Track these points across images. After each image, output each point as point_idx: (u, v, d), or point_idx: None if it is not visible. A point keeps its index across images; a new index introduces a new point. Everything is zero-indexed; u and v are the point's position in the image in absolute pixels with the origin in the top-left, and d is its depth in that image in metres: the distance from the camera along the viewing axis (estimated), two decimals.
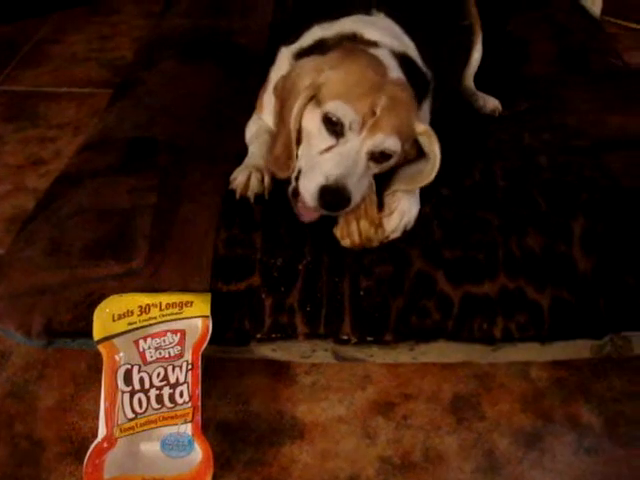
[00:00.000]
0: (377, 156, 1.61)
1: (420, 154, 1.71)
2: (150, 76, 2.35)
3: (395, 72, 1.67)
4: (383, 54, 1.71)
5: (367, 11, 1.91)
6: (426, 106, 1.86)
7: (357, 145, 1.56)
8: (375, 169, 1.64)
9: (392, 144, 1.60)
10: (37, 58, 3.20)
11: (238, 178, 1.76)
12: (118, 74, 2.82)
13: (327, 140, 1.58)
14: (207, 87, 2.25)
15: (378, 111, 1.56)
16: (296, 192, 1.61)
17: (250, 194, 1.73)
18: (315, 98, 1.61)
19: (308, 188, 1.54)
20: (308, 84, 1.61)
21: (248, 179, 1.75)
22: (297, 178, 1.62)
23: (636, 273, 1.68)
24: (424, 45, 1.91)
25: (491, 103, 2.33)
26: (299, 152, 1.65)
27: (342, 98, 1.56)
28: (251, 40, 2.54)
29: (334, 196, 1.52)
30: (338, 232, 1.65)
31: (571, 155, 1.98)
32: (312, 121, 1.61)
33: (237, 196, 1.73)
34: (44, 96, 2.89)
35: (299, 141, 1.65)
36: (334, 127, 1.57)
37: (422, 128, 1.66)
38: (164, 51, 2.50)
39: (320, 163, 1.56)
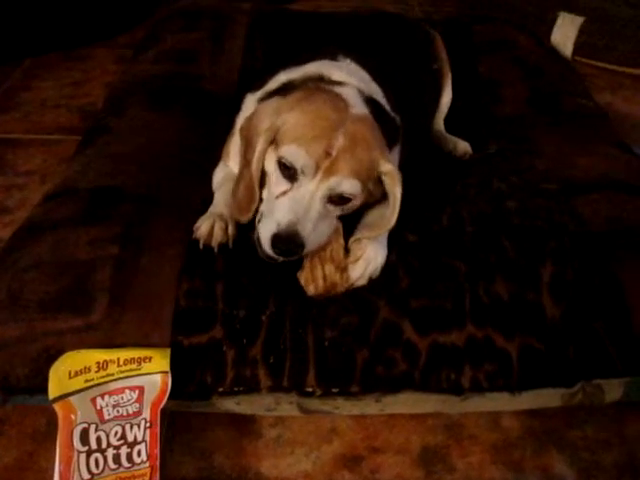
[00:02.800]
0: (335, 199, 1.58)
1: (385, 196, 1.68)
2: (118, 123, 2.32)
3: (358, 108, 1.65)
4: (348, 92, 1.70)
5: (334, 57, 1.90)
6: (396, 151, 1.84)
7: (311, 189, 1.54)
8: (337, 211, 1.61)
9: (350, 186, 1.57)
10: (7, 104, 3.17)
11: (202, 227, 1.73)
12: (88, 120, 2.79)
13: (282, 184, 1.57)
14: (175, 134, 2.23)
15: (334, 152, 1.54)
16: (259, 237, 1.58)
17: (214, 243, 1.70)
18: (274, 141, 1.60)
19: (264, 235, 1.54)
20: (267, 127, 1.60)
21: (212, 228, 1.72)
22: (260, 221, 1.60)
23: (606, 319, 1.67)
24: (392, 90, 1.90)
25: (461, 146, 2.32)
26: (263, 196, 1.64)
27: (296, 142, 1.55)
28: (220, 86, 2.53)
29: (285, 242, 1.50)
30: (302, 278, 1.62)
31: (540, 199, 1.97)
32: (271, 165, 1.61)
33: (200, 246, 1.70)
34: (12, 143, 2.86)
35: (263, 184, 1.63)
36: (288, 171, 1.55)
37: (386, 167, 1.63)
38: (133, 97, 2.48)
39: (274, 208, 1.55)
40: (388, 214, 1.66)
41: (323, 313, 1.62)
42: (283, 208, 1.53)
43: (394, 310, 1.63)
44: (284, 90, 1.74)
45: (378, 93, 1.84)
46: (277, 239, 1.50)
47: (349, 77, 1.77)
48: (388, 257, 1.71)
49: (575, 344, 1.64)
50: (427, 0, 3.92)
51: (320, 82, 1.74)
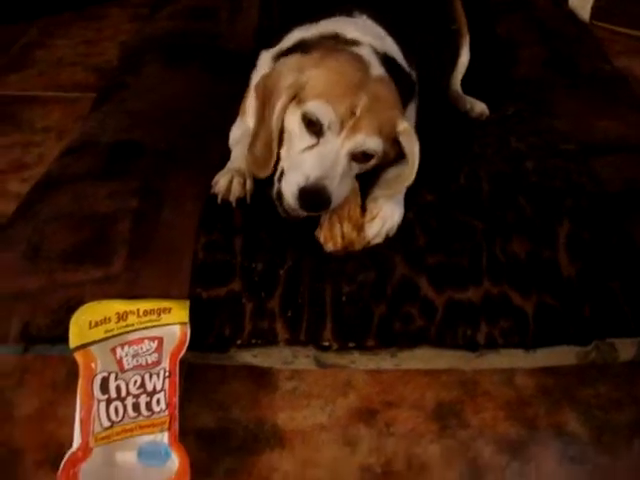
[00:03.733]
0: (359, 156, 1.59)
1: (400, 156, 1.69)
2: (134, 80, 2.33)
3: (377, 69, 1.66)
4: (365, 52, 1.70)
5: (350, 13, 1.90)
6: (412, 108, 1.85)
7: (337, 146, 1.55)
8: (356, 170, 1.62)
9: (373, 144, 1.59)
10: (23, 62, 3.18)
11: (220, 182, 1.74)
12: (104, 78, 2.79)
13: (307, 140, 1.57)
14: (191, 91, 2.23)
15: (358, 111, 1.55)
16: (280, 193, 1.59)
17: (232, 198, 1.71)
18: (297, 97, 1.60)
19: (289, 189, 1.53)
20: (290, 83, 1.60)
21: (230, 183, 1.73)
22: (280, 179, 1.60)
23: (621, 279, 1.67)
24: (408, 48, 1.90)
25: (478, 107, 2.31)
26: (282, 152, 1.64)
27: (322, 98, 1.55)
28: (237, 44, 2.53)
29: (313, 197, 1.51)
30: (321, 235, 1.63)
31: (558, 159, 1.96)
32: (293, 121, 1.60)
33: (219, 200, 1.71)
34: (29, 100, 2.87)
35: (281, 141, 1.63)
36: (314, 127, 1.56)
37: (403, 126, 1.64)
38: (149, 55, 2.48)
39: (300, 163, 1.55)
40: (406, 172, 1.67)
41: (341, 268, 1.63)
42: (311, 162, 1.54)
43: (411, 266, 1.64)
44: (299, 48, 1.74)
45: (394, 50, 1.83)
46: (305, 193, 1.50)
47: (364, 35, 1.77)
48: (405, 216, 1.72)
49: (590, 303, 1.64)
50: None
51: (335, 41, 1.73)
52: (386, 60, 1.73)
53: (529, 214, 1.76)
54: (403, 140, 1.66)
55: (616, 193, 1.83)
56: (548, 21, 2.79)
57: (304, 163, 1.54)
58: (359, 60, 1.65)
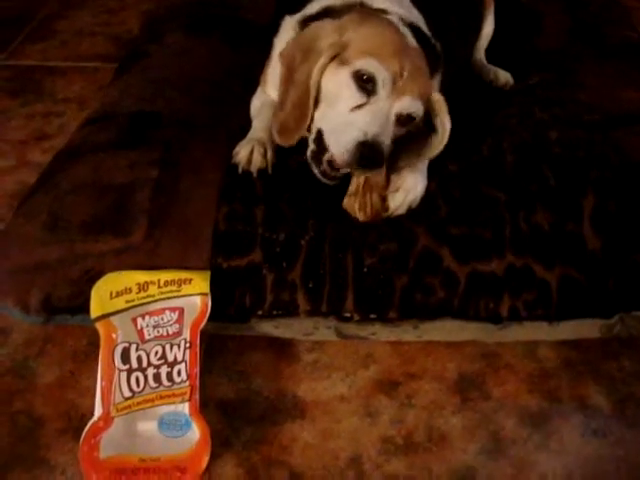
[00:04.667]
0: (402, 119, 1.59)
1: (425, 127, 1.67)
2: (155, 49, 2.32)
3: (410, 38, 1.65)
4: (396, 21, 1.68)
5: None
6: (437, 79, 1.83)
7: (389, 104, 1.55)
8: (396, 132, 1.61)
9: (417, 107, 1.60)
10: (43, 33, 3.17)
11: (241, 152, 1.72)
12: (124, 48, 2.78)
13: (357, 98, 1.55)
14: (213, 61, 2.22)
15: (405, 73, 1.55)
16: (320, 153, 1.58)
17: (253, 168, 1.70)
18: (338, 57, 1.58)
19: (342, 145, 1.51)
20: (331, 43, 1.58)
21: (251, 153, 1.72)
22: (317, 140, 1.59)
23: None
24: (433, 17, 1.88)
25: (502, 76, 2.28)
26: (316, 114, 1.62)
27: (374, 56, 1.54)
28: (258, 15, 2.50)
29: (371, 152, 1.49)
30: (355, 204, 1.62)
31: (582, 130, 1.93)
32: (336, 80, 1.58)
33: (240, 170, 1.70)
34: (50, 71, 2.87)
35: (313, 103, 1.61)
36: (365, 85, 1.54)
37: (437, 97, 1.65)
38: (170, 24, 2.46)
39: (353, 120, 1.53)
40: (436, 142, 1.67)
41: (362, 239, 1.62)
42: (366, 119, 1.52)
43: (433, 238, 1.63)
44: (325, 15, 1.72)
45: (419, 19, 1.82)
46: (363, 147, 1.48)
47: (390, 4, 1.75)
48: (428, 186, 1.70)
49: (615, 276, 1.62)
50: None
51: (363, 9, 1.71)
52: (414, 30, 1.71)
53: (553, 186, 1.74)
54: (437, 110, 1.65)
55: None
56: None
57: (357, 121, 1.52)
58: (395, 27, 1.64)
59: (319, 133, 1.59)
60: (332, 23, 1.63)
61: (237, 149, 1.74)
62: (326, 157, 1.56)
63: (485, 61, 2.38)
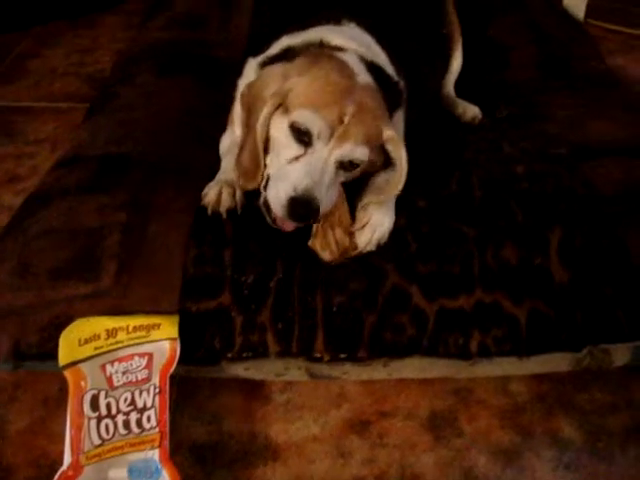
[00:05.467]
0: (346, 165, 1.58)
1: (388, 163, 1.68)
2: (126, 90, 2.32)
3: (363, 76, 1.65)
4: (351, 58, 1.69)
5: (338, 21, 1.89)
6: (399, 115, 1.84)
7: (325, 154, 1.54)
8: (343, 177, 1.61)
9: (361, 153, 1.58)
10: (17, 72, 3.18)
11: (209, 194, 1.73)
12: (97, 88, 2.78)
13: (295, 149, 1.56)
14: (183, 101, 2.22)
15: (346, 119, 1.54)
16: (267, 202, 1.58)
17: (222, 209, 1.70)
18: (282, 106, 1.58)
19: (277, 198, 1.52)
20: (274, 91, 1.59)
21: (220, 194, 1.72)
22: (266, 187, 1.59)
23: (614, 284, 1.66)
24: (397, 54, 1.89)
25: (471, 111, 2.30)
26: (267, 161, 1.62)
27: (310, 107, 1.54)
28: (229, 52, 2.52)
29: (302, 207, 1.49)
30: (317, 245, 1.62)
31: (550, 164, 1.95)
32: (280, 129, 1.59)
33: (209, 212, 1.70)
34: (23, 111, 2.87)
35: (267, 150, 1.62)
36: (302, 136, 1.54)
37: (388, 134, 1.64)
38: (141, 65, 2.47)
39: (288, 173, 1.53)
40: (395, 179, 1.66)
41: (331, 278, 1.62)
42: (299, 172, 1.52)
43: (402, 275, 1.64)
44: (285, 55, 1.73)
45: (381, 57, 1.83)
46: (294, 202, 1.48)
47: (350, 43, 1.76)
48: (397, 222, 1.71)
49: (583, 309, 1.64)
50: None
51: (321, 48, 1.72)
52: (372, 68, 1.72)
53: (521, 220, 1.75)
54: (390, 148, 1.65)
55: (608, 197, 1.83)
56: (541, 22, 2.78)
57: (292, 173, 1.53)
58: (344, 67, 1.63)
59: (267, 181, 1.60)
60: (280, 68, 1.64)
61: (206, 190, 1.75)
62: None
63: (454, 95, 2.40)
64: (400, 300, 1.62)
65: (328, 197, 1.55)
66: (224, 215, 1.70)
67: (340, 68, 1.62)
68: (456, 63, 2.41)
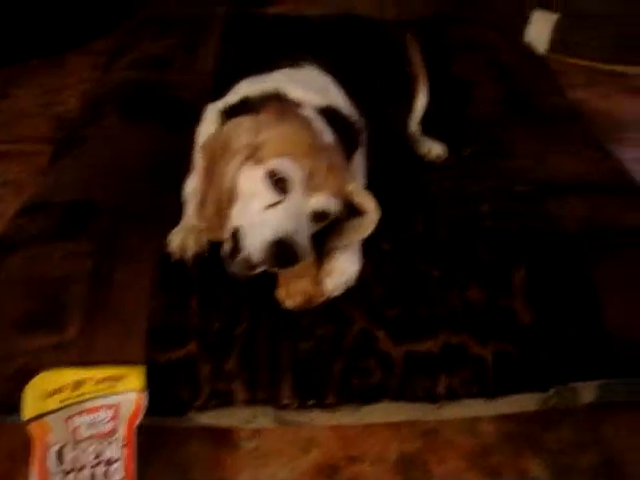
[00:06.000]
0: (318, 216, 1.59)
1: (351, 212, 1.69)
2: (92, 133, 2.31)
3: (326, 134, 1.67)
4: (311, 114, 1.71)
5: (297, 64, 1.91)
6: (359, 157, 1.85)
7: (302, 202, 1.56)
8: (313, 229, 1.62)
9: (332, 205, 1.61)
10: None
11: (174, 240, 1.73)
12: (65, 129, 2.77)
13: (272, 197, 1.56)
14: (148, 144, 2.21)
15: (320, 171, 1.56)
16: (235, 251, 1.57)
17: (187, 256, 1.70)
18: (253, 157, 1.59)
19: (257, 244, 1.50)
20: (245, 143, 1.59)
21: (184, 240, 1.72)
22: (234, 237, 1.58)
23: (579, 322, 1.68)
24: (358, 94, 1.91)
25: (435, 149, 2.33)
26: (234, 212, 1.61)
27: (288, 156, 1.56)
28: (194, 94, 2.51)
29: (286, 251, 1.48)
30: (282, 293, 1.63)
31: (514, 202, 1.98)
32: (251, 180, 1.58)
33: (174, 259, 1.70)
34: None
35: (230, 202, 1.62)
36: (279, 184, 1.55)
37: (355, 188, 1.66)
38: (107, 106, 2.46)
39: (267, 219, 1.53)
40: (363, 227, 1.68)
41: (298, 325, 1.63)
42: (280, 217, 1.53)
43: (369, 320, 1.64)
44: (243, 107, 1.74)
45: (339, 99, 1.85)
46: (277, 246, 1.48)
47: (307, 92, 1.77)
48: (362, 266, 1.71)
49: (549, 348, 1.65)
50: (402, 0, 3.91)
51: (278, 101, 1.73)
52: (328, 113, 1.74)
53: (485, 260, 1.77)
54: (357, 200, 1.67)
55: (572, 234, 1.85)
56: (504, 58, 2.81)
57: (271, 220, 1.53)
58: (309, 124, 1.67)
59: (235, 231, 1.58)
60: (249, 121, 1.64)
61: (170, 237, 1.75)
62: (242, 256, 1.54)
63: (420, 133, 2.43)
64: (367, 345, 1.62)
65: (306, 245, 1.55)
66: (189, 262, 1.70)
67: (306, 126, 1.66)
68: (421, 102, 2.43)
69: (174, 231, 1.76)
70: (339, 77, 1.92)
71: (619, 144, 2.69)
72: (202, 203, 1.65)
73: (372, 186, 1.76)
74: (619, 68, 3.34)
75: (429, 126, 2.44)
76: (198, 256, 1.71)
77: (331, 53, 2.07)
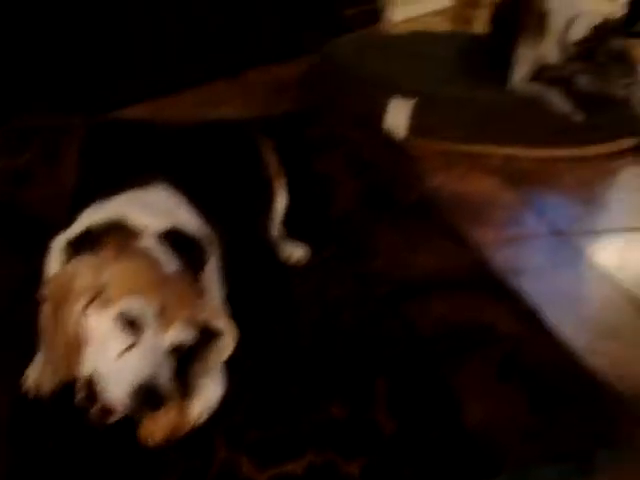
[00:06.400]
0: (175, 349, 1.57)
1: (209, 336, 1.68)
2: None
3: (169, 264, 1.66)
4: (152, 245, 1.69)
5: (146, 183, 1.89)
6: (211, 273, 1.84)
7: (158, 340, 1.53)
8: (171, 363, 1.59)
9: (188, 335, 1.58)
10: None
11: (30, 377, 1.69)
12: None
13: (125, 340, 1.51)
14: (3, 271, 2.16)
15: (169, 304, 1.54)
16: (90, 399, 1.52)
17: (43, 393, 1.65)
18: (99, 299, 1.55)
19: (117, 393, 1.46)
20: (88, 285, 1.55)
21: (41, 376, 1.67)
22: (87, 387, 1.53)
23: (439, 427, 1.71)
24: (211, 207, 1.91)
25: (297, 252, 2.34)
26: (85, 357, 1.55)
27: (134, 295, 1.52)
28: (52, 211, 2.47)
29: (149, 395, 1.45)
30: (145, 431, 1.60)
31: (374, 306, 2.02)
32: (101, 323, 1.54)
33: (30, 397, 1.66)
34: None
35: (79, 346, 1.57)
36: (131, 326, 1.52)
37: (206, 311, 1.64)
38: None
39: (124, 365, 1.49)
40: (222, 349, 1.67)
41: (160, 461, 1.59)
42: (138, 361, 1.49)
43: (230, 447, 1.62)
44: (86, 239, 1.70)
45: (185, 219, 1.84)
46: (142, 390, 1.44)
47: (150, 216, 1.74)
48: (225, 389, 1.70)
49: (413, 456, 1.66)
50: (263, 100, 3.96)
51: (121, 232, 1.69)
52: (172, 236, 1.74)
53: (347, 371, 1.79)
54: (213, 324, 1.65)
55: (428, 338, 1.89)
56: (364, 153, 2.89)
57: (128, 366, 1.49)
58: (150, 257, 1.64)
59: (89, 379, 1.53)
60: (89, 260, 1.60)
61: (26, 374, 1.70)
62: (99, 404, 1.50)
63: (282, 236, 2.43)
64: (231, 473, 1.60)
65: (168, 382, 1.52)
66: (45, 399, 1.65)
67: (148, 259, 1.63)
68: (280, 205, 2.44)
69: (31, 367, 1.71)
70: (191, 192, 1.91)
71: (479, 226, 2.74)
72: (49, 347, 1.60)
73: (233, 297, 1.76)
74: (475, 149, 3.45)
75: (292, 227, 2.45)
76: (54, 395, 1.65)
77: (185, 165, 2.06)
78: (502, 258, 2.48)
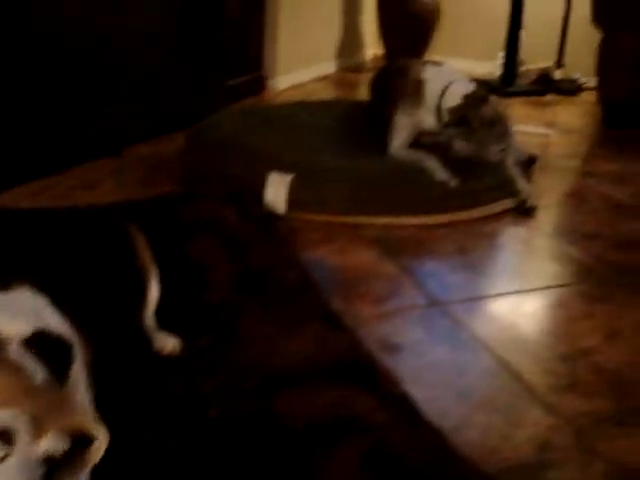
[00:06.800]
0: (47, 459, 1.53)
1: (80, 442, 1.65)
2: None
3: (37, 371, 1.61)
4: (17, 353, 1.64)
5: (8, 286, 1.85)
6: (77, 371, 1.80)
7: (31, 451, 1.47)
8: (43, 472, 1.55)
9: (60, 443, 1.51)
10: None
11: None
12: None
13: None
14: None
15: (40, 413, 1.49)
16: None
17: None
18: None
19: None
20: None
21: None
22: None
23: None
24: (77, 304, 1.88)
25: (169, 343, 2.31)
26: None
27: (3, 407, 1.48)
28: None
29: None
30: None
31: (242, 401, 2.00)
32: None
33: None
34: None
35: None
36: (2, 438, 1.47)
37: (76, 417, 1.59)
38: None
39: None
40: (92, 454, 1.61)
41: None
42: (11, 475, 1.41)
43: None
44: None
45: (50, 320, 1.79)
46: None
47: (12, 321, 1.69)
48: None
49: None
50: (140, 178, 3.94)
51: None
52: (36, 341, 1.68)
53: (214, 474, 1.76)
54: (84, 429, 1.61)
55: (298, 432, 1.88)
56: (238, 236, 2.89)
57: (2, 476, 1.44)
58: (16, 364, 1.59)
59: None
60: None
61: None
62: None
63: (155, 327, 2.40)
64: None
65: None
66: None
67: (14, 368, 1.57)
68: (153, 294, 2.41)
69: None
70: (55, 290, 1.88)
71: (357, 301, 2.76)
72: None
73: (104, 397, 1.72)
74: (354, 220, 3.49)
75: (166, 317, 2.42)
76: None
77: (47, 261, 2.03)
78: (378, 335, 2.50)
